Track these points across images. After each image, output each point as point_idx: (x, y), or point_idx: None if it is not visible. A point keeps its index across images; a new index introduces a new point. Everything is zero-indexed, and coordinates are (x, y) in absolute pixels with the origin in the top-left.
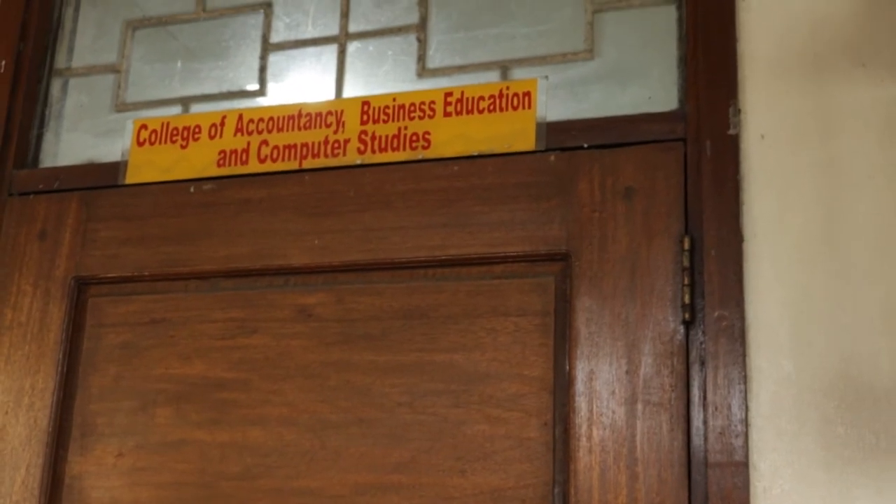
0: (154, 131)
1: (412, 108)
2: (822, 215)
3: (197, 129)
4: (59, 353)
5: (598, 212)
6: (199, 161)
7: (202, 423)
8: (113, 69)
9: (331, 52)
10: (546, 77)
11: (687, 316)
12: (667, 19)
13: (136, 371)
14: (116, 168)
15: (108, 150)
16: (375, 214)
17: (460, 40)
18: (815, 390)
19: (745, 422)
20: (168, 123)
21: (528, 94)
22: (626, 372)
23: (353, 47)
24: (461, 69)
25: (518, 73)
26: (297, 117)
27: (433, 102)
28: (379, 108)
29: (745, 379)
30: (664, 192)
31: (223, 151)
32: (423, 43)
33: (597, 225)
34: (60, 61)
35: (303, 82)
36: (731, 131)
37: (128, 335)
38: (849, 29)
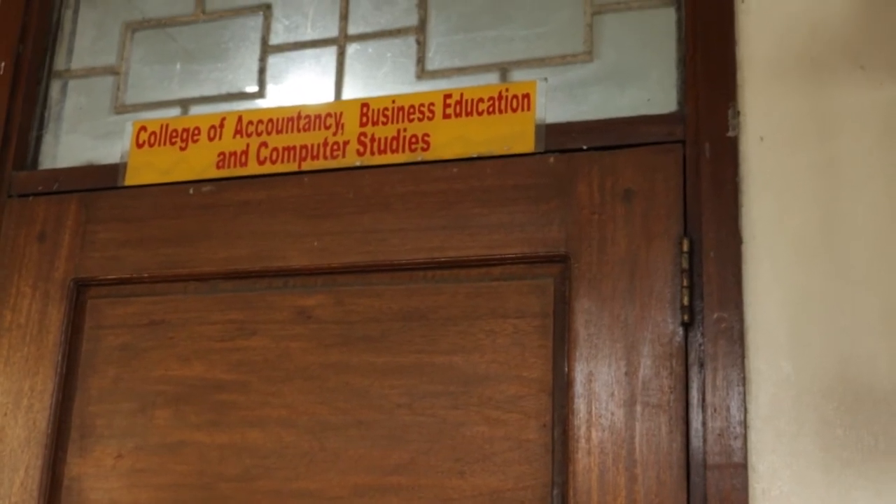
0: (153, 133)
1: (411, 110)
2: (820, 217)
3: (196, 131)
4: (58, 354)
5: (597, 214)
6: (198, 163)
7: (201, 424)
8: (112, 71)
9: (330, 53)
10: (545, 79)
11: (686, 318)
12: (666, 21)
13: (135, 373)
14: (116, 170)
15: (108, 151)
16: (375, 216)
17: (459, 42)
18: (813, 392)
19: (744, 423)
20: (167, 125)
21: (527, 95)
22: (625, 374)
23: (352, 49)
24: (460, 71)
25: (517, 75)
26: (297, 119)
27: (432, 104)
28: (378, 110)
29: (743, 381)
30: (663, 193)
31: (222, 153)
32: (422, 45)
33: (596, 227)
34: (60, 63)
35: (302, 84)
36: (730, 133)
37: (127, 337)
38: (847, 31)
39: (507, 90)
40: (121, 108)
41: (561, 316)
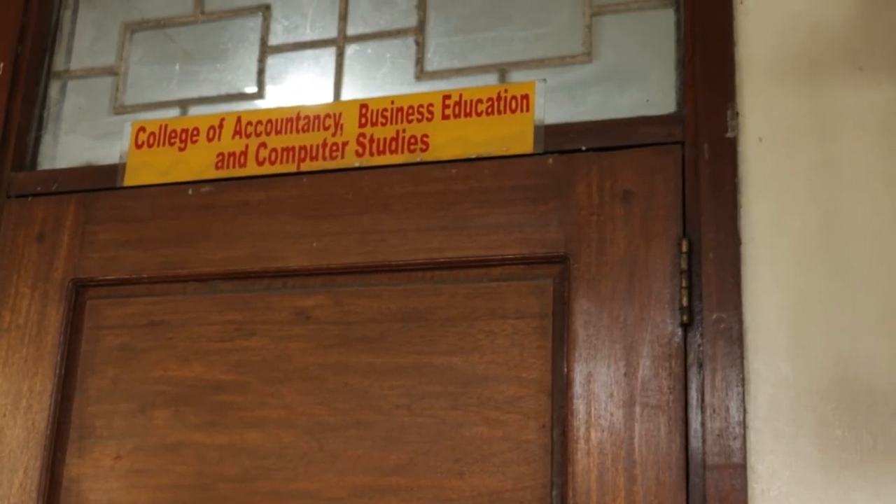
0: (152, 133)
1: (410, 111)
2: (819, 218)
3: (195, 132)
4: (57, 355)
5: (596, 214)
6: (197, 163)
7: (200, 425)
8: (111, 71)
9: (329, 54)
10: (544, 80)
11: (685, 318)
12: (665, 22)
13: (134, 373)
14: (115, 170)
15: (107, 152)
16: (374, 217)
17: (458, 43)
18: (812, 393)
19: (743, 424)
20: (166, 126)
21: (526, 96)
22: (625, 374)
23: (351, 50)
24: (459, 72)
25: (516, 76)
26: (296, 120)
27: (431, 105)
28: (377, 111)
29: (742, 381)
30: (662, 194)
31: (221, 154)
32: (421, 46)
33: (595, 228)
34: (59, 63)
35: (301, 85)
36: (729, 134)
37: (126, 337)
38: (846, 32)
39: (505, 91)
40: (120, 109)
41: (560, 317)
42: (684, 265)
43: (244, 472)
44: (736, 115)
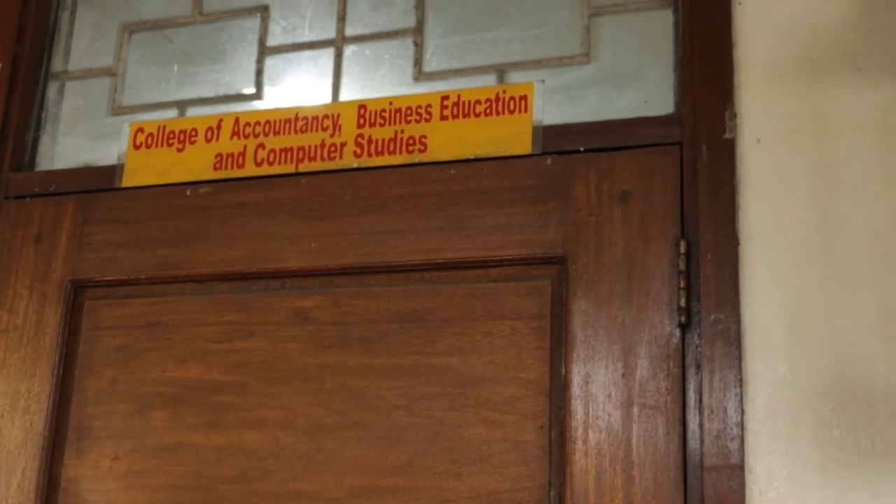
0: (150, 134)
1: (409, 112)
2: (818, 219)
3: (193, 133)
4: (55, 356)
5: (594, 215)
6: (195, 164)
7: (198, 426)
8: (109, 72)
9: (327, 55)
10: (542, 81)
11: (683, 319)
12: (663, 23)
13: (132, 374)
14: (113, 171)
15: (105, 153)
16: (372, 218)
17: (457, 44)
18: (810, 393)
19: (741, 425)
20: (164, 127)
21: (524, 97)
22: (622, 375)
23: (349, 51)
24: (458, 73)
25: (514, 77)
26: (294, 121)
27: (430, 106)
28: (375, 112)
29: (740, 382)
30: (660, 195)
31: (219, 155)
32: (419, 47)
33: (593, 228)
34: (57, 64)
35: (299, 86)
36: (728, 135)
37: (124, 338)
38: (845, 33)
39: (504, 92)
40: (118, 110)
41: (558, 317)
42: (682, 266)
43: (242, 472)
44: (734, 115)
